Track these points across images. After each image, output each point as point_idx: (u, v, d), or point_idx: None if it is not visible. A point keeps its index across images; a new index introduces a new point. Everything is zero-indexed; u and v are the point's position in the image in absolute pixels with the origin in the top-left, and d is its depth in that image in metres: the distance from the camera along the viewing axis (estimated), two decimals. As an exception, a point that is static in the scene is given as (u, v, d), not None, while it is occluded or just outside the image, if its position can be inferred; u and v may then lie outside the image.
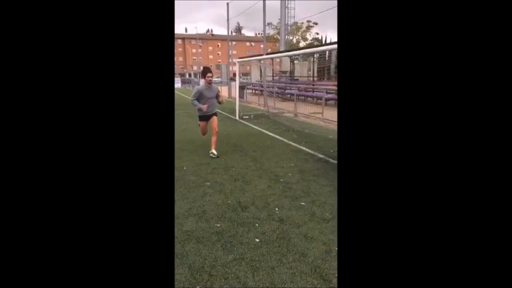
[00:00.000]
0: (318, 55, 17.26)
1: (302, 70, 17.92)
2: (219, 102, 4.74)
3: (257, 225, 2.54)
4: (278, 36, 24.09)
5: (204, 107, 4.43)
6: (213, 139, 4.66)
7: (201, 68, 5.21)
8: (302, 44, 30.59)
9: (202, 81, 4.80)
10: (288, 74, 18.10)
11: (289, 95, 13.97)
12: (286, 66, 17.73)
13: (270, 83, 16.65)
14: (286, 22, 21.78)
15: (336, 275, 1.90)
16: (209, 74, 4.49)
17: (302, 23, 30.12)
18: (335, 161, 4.33)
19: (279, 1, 18.67)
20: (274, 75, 20.19)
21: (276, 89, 14.62)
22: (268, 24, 30.04)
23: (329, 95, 10.47)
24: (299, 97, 11.60)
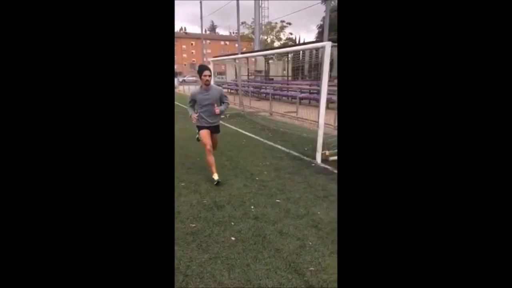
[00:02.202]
0: (292, 55, 17.51)
1: (277, 70, 18.11)
2: (215, 111, 3.40)
3: (233, 223, 2.55)
4: (253, 36, 24.17)
5: (194, 116, 3.39)
6: (211, 160, 3.51)
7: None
8: (276, 44, 30.89)
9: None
10: (263, 74, 18.22)
11: (264, 95, 14.07)
12: (261, 65, 17.85)
13: (246, 83, 16.67)
14: (260, 22, 21.89)
15: (310, 268, 1.95)
16: (206, 72, 3.22)
17: (276, 23, 30.42)
18: (309, 159, 4.44)
19: (253, 1, 18.72)
20: (250, 74, 20.23)
21: (252, 88, 14.66)
22: (243, 23, 30.04)
23: (303, 94, 10.67)
24: (274, 97, 11.72)
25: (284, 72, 17.85)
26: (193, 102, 3.46)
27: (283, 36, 32.39)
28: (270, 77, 18.12)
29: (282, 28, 31.58)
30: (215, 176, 3.47)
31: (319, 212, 2.75)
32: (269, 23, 29.05)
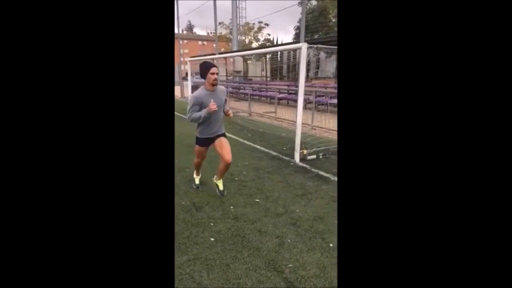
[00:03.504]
0: (270, 55, 17.66)
1: (256, 70, 18.19)
2: (227, 115, 2.89)
3: (212, 224, 2.54)
4: (231, 36, 24.13)
5: (211, 105, 2.62)
6: (222, 167, 2.95)
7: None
8: (254, 44, 31.00)
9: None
10: (242, 74, 18.22)
11: (243, 95, 14.08)
12: (240, 66, 17.84)
13: (224, 83, 16.60)
14: (238, 22, 21.89)
15: (289, 265, 1.99)
16: (213, 70, 2.64)
17: (254, 23, 30.55)
18: (288, 158, 4.50)
19: (230, 1, 18.69)
20: (228, 75, 20.17)
21: (230, 88, 14.62)
22: (220, 23, 29.88)
23: (282, 95, 10.78)
24: (253, 97, 11.75)
25: (263, 72, 17.95)
26: (198, 108, 2.70)
27: (261, 37, 32.59)
28: (249, 78, 18.17)
29: (260, 29, 31.77)
30: (220, 184, 3.13)
31: (297, 210, 2.80)
32: (247, 23, 29.11)
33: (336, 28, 21.51)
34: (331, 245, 2.24)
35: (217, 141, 2.89)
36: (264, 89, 13.19)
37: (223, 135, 2.95)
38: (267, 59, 18.18)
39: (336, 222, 2.59)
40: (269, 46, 21.24)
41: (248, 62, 19.16)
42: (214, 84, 2.69)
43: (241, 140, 5.83)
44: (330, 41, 12.23)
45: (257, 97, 12.78)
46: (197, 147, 3.00)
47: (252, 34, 31.83)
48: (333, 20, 21.87)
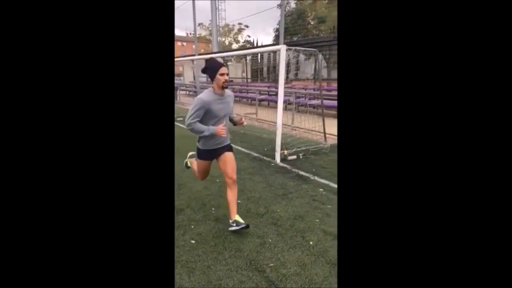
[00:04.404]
0: (251, 57, 17.73)
1: (236, 72, 18.19)
2: (240, 123, 2.47)
3: (192, 226, 2.52)
4: (210, 37, 23.98)
5: (220, 129, 2.17)
6: (230, 196, 2.40)
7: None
8: (234, 46, 30.98)
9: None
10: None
11: (224, 96, 13.98)
12: (220, 67, 17.74)
13: (204, 84, 16.48)
14: (218, 24, 21.80)
15: (270, 264, 2.01)
16: (223, 70, 2.18)
17: (234, 25, 30.55)
18: (269, 159, 4.54)
19: (209, 1, 18.59)
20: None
21: (211, 90, 14.51)
22: (199, 24, 29.64)
23: (262, 96, 10.85)
24: (234, 98, 11.73)
25: (243, 74, 17.98)
26: (202, 113, 2.17)
27: (241, 38, 32.64)
28: (230, 79, 18.11)
29: (240, 30, 31.82)
30: (238, 218, 2.39)
31: (278, 210, 2.84)
32: (227, 25, 29.08)
33: (314, 31, 21.91)
34: (311, 243, 2.29)
35: (221, 156, 2.38)
36: (245, 91, 13.21)
37: (229, 148, 2.43)
38: (248, 61, 18.24)
39: (317, 220, 2.64)
40: (249, 48, 21.32)
41: (228, 63, 19.13)
42: (224, 87, 2.22)
43: (222, 141, 5.80)
44: (308, 44, 12.46)
45: (238, 98, 12.78)
46: (198, 161, 2.46)
47: (232, 36, 31.80)
48: (311, 23, 22.27)
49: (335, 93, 11.25)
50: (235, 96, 12.81)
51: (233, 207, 2.40)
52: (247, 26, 31.78)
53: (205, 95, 2.20)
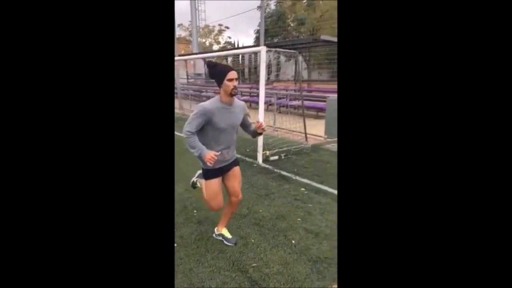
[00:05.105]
0: (232, 58, 17.70)
1: (217, 73, 18.07)
2: (257, 132, 2.04)
3: (174, 229, 2.49)
4: (190, 38, 23.73)
5: (210, 157, 1.80)
6: (227, 210, 2.26)
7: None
8: (215, 47, 30.84)
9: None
10: (203, 77, 18.04)
11: (205, 98, 13.93)
12: (201, 68, 17.65)
13: (185, 85, 16.28)
14: (198, 25, 21.62)
15: (253, 264, 2.02)
16: (231, 74, 1.86)
17: (214, 26, 30.40)
18: (251, 159, 4.55)
19: (189, 1, 18.42)
20: (189, 77, 19.82)
21: (191, 91, 14.38)
22: (179, 25, 29.25)
23: (244, 97, 10.86)
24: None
25: (225, 75, 17.89)
26: (202, 121, 1.88)
27: (222, 39, 32.52)
28: (211, 80, 18.00)
29: (220, 31, 31.69)
30: (225, 232, 2.34)
31: (261, 210, 2.85)
32: (207, 26, 28.87)
33: (294, 33, 22.19)
34: (293, 241, 2.32)
35: (230, 171, 2.09)
36: (226, 92, 13.13)
37: (236, 162, 2.16)
38: (229, 62, 18.19)
39: (299, 219, 2.68)
40: (230, 49, 21.29)
41: (209, 64, 19.00)
42: (233, 95, 1.88)
43: (203, 143, 5.75)
44: (288, 45, 12.60)
45: (219, 99, 12.68)
46: (204, 183, 2.06)
47: (212, 37, 31.62)
48: (291, 24, 22.56)
49: (315, 94, 11.46)
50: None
51: (224, 221, 2.31)
52: (227, 27, 31.70)
53: (209, 102, 1.91)
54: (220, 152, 1.92)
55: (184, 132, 1.90)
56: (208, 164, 1.80)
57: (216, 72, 1.91)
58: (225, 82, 1.85)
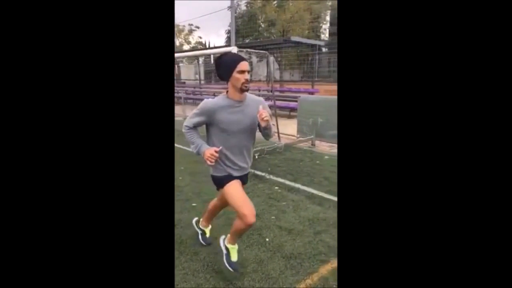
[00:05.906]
0: (203, 58, 17.50)
1: (189, 73, 17.82)
2: (265, 129, 1.65)
3: (146, 234, 2.41)
4: (160, 38, 23.06)
5: (211, 155, 1.60)
6: (214, 206, 2.12)
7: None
8: (186, 47, 30.29)
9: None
10: (174, 77, 17.68)
11: (176, 98, 13.65)
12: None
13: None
14: (168, 24, 21.06)
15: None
16: (243, 65, 1.54)
17: (184, 26, 29.86)
18: (224, 160, 4.52)
19: (158, 1, 17.95)
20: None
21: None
22: (148, 24, 28.36)
23: (216, 98, 10.76)
24: (187, 100, 11.49)
25: (197, 76, 17.69)
26: (202, 120, 1.66)
27: (192, 39, 32.01)
28: (182, 81, 17.70)
29: (191, 31, 31.19)
30: (208, 231, 2.25)
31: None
32: (177, 25, 28.29)
33: (265, 33, 22.37)
34: (267, 239, 2.34)
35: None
36: (198, 92, 13.01)
37: (247, 178, 1.90)
38: (200, 62, 17.98)
39: (273, 217, 2.72)
40: (201, 49, 21.02)
41: (179, 65, 18.65)
42: (244, 89, 1.56)
43: (176, 145, 5.64)
44: (260, 46, 12.70)
45: (191, 100, 12.53)
46: (224, 190, 1.74)
47: (183, 36, 31.03)
48: (262, 25, 22.74)
49: (287, 94, 11.64)
50: (188, 98, 12.58)
51: (210, 218, 2.19)
52: (198, 27, 31.26)
53: (216, 99, 1.62)
54: (220, 148, 1.62)
55: (183, 127, 1.70)
56: (208, 162, 1.56)
57: (223, 63, 1.56)
58: (235, 74, 1.53)
